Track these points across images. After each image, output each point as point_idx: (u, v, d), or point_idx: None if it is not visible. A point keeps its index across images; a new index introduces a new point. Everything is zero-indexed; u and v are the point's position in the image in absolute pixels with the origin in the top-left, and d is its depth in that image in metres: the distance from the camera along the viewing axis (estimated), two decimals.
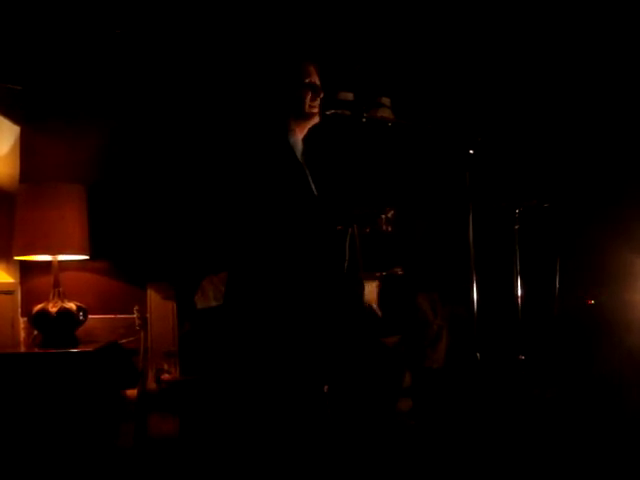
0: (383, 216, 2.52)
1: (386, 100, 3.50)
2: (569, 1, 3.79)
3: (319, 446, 2.39)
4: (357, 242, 2.48)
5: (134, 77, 3.60)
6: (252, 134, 2.53)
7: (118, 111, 3.60)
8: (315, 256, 2.36)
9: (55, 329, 3.16)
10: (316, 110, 2.51)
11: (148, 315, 3.43)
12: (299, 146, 2.55)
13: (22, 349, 3.33)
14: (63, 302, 3.19)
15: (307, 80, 2.50)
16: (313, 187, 2.49)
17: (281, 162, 2.41)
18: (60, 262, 3.28)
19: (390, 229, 2.51)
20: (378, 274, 3.42)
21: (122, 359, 3.35)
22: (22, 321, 3.43)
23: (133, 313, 3.29)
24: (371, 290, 2.49)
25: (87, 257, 3.32)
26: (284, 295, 2.35)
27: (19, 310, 3.46)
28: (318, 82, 2.54)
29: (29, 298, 3.42)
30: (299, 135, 2.56)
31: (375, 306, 2.43)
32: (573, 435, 3.22)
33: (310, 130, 2.60)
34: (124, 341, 3.41)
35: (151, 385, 3.30)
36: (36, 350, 3.17)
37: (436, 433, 3.35)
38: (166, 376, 3.36)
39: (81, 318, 3.22)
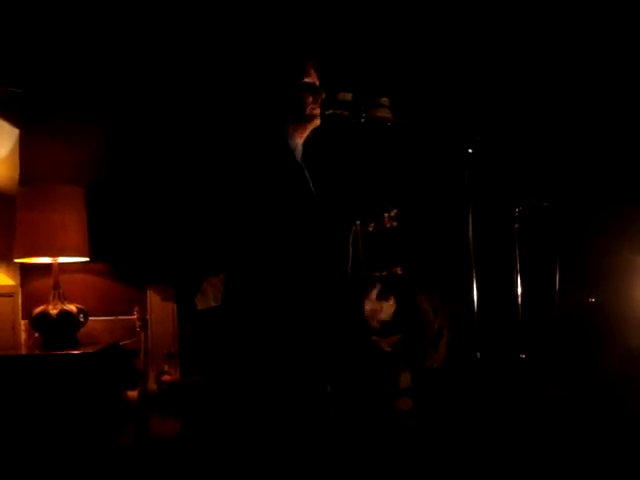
0: (386, 214, 2.53)
1: (385, 100, 3.49)
2: (568, 1, 3.79)
3: (321, 447, 2.39)
4: (360, 240, 2.48)
5: (133, 80, 3.61)
6: (252, 137, 2.52)
7: (117, 114, 3.60)
8: (316, 256, 2.36)
9: (56, 331, 3.16)
10: (317, 112, 2.49)
11: (148, 316, 3.44)
12: (299, 149, 2.54)
13: (23, 351, 3.33)
14: (63, 304, 3.20)
15: (306, 80, 2.49)
16: (312, 189, 2.48)
17: (280, 165, 2.40)
18: (60, 264, 3.29)
19: (395, 224, 2.51)
20: (378, 274, 3.43)
21: (123, 360, 3.35)
22: (23, 323, 3.43)
23: (133, 314, 3.29)
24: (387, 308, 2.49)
25: (87, 259, 3.33)
26: (284, 295, 2.35)
27: (20, 312, 3.46)
28: (318, 83, 2.53)
29: (29, 300, 3.43)
30: (299, 138, 2.54)
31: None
32: (574, 434, 3.22)
33: (311, 133, 2.58)
34: (125, 342, 3.41)
35: (152, 386, 3.31)
36: (37, 352, 3.17)
37: (437, 433, 3.35)
38: (167, 377, 3.36)
39: (81, 320, 3.23)
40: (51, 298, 3.21)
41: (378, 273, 3.45)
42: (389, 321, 2.62)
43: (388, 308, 2.82)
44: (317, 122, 2.53)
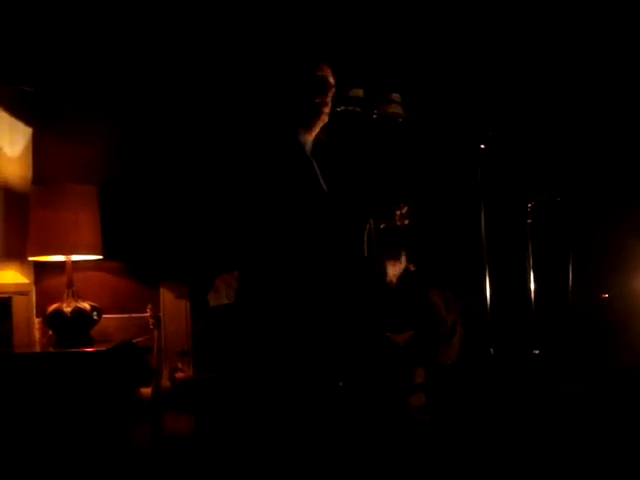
0: (398, 212, 2.52)
1: (396, 96, 3.48)
2: None
3: (334, 443, 2.39)
4: (374, 237, 2.48)
5: (145, 78, 3.61)
6: (262, 132, 2.52)
7: (130, 112, 3.61)
8: (328, 252, 2.36)
9: (69, 329, 3.18)
10: (327, 108, 2.49)
11: (161, 314, 3.45)
12: (309, 144, 2.54)
13: (37, 349, 3.35)
14: (77, 302, 3.21)
15: (318, 73, 2.48)
16: (323, 183, 2.48)
17: (290, 159, 2.40)
18: (74, 262, 3.30)
19: (407, 222, 2.51)
20: None
21: (136, 358, 3.36)
22: (37, 321, 3.45)
23: (146, 312, 3.30)
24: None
25: (100, 257, 3.34)
26: (297, 291, 2.35)
27: (34, 310, 3.48)
28: (332, 79, 2.52)
29: (43, 298, 3.45)
30: (309, 134, 2.54)
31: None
32: (590, 429, 3.20)
33: (321, 130, 2.58)
34: (138, 340, 3.43)
35: (165, 383, 3.32)
36: (51, 350, 3.19)
37: (450, 429, 3.34)
38: (180, 374, 3.37)
39: (95, 318, 3.24)
40: (65, 296, 3.23)
41: None
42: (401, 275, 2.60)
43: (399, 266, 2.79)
44: (325, 119, 2.52)
